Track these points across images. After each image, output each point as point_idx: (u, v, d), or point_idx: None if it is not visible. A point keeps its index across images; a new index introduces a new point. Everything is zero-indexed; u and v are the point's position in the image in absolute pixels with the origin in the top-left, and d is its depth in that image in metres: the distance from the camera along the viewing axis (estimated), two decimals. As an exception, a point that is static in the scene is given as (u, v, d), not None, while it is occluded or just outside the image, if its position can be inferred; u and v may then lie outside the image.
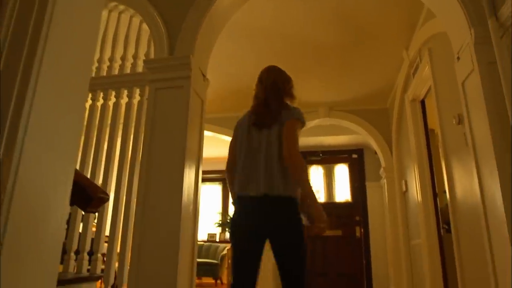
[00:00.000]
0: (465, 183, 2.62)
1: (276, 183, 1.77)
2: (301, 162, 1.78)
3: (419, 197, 3.97)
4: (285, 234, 1.74)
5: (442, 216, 3.87)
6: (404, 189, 4.72)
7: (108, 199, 1.50)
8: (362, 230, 6.30)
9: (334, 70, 4.51)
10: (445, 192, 3.19)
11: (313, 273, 6.14)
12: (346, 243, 6.31)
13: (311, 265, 6.04)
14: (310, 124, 5.64)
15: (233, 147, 2.02)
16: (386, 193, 5.20)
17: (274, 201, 1.77)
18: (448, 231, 3.69)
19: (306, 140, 6.34)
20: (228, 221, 5.87)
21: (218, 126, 5.81)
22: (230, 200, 2.77)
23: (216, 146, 7.45)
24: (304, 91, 5.10)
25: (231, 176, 1.98)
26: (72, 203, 1.48)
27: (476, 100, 2.06)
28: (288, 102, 2.01)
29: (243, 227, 1.82)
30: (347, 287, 6.11)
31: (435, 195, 3.92)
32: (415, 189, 4.13)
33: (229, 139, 5.81)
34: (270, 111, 1.94)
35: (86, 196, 1.23)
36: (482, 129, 2.01)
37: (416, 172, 4.05)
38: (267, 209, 1.77)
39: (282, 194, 1.76)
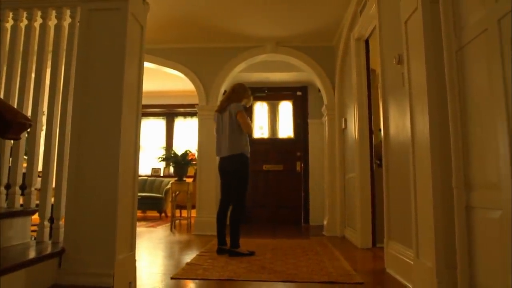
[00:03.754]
0: (398, 121, 2.79)
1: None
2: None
3: (356, 135, 4.19)
4: (234, 171, 3.60)
5: (376, 153, 4.15)
6: (343, 126, 4.94)
7: (30, 125, 1.37)
8: (302, 165, 6.61)
9: (282, 3, 4.36)
10: (380, 130, 3.38)
11: (254, 204, 6.45)
12: (286, 177, 6.62)
13: (252, 197, 6.31)
14: (256, 59, 5.55)
15: None
16: (327, 130, 5.41)
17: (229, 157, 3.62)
18: (380, 166, 3.99)
19: (252, 75, 6.27)
20: (172, 155, 5.84)
21: (162, 58, 5.53)
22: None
23: (160, 79, 7.14)
24: (252, 25, 4.93)
25: None
26: (-12, 129, 1.34)
27: (416, 39, 2.11)
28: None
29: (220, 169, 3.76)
30: (286, 217, 6.54)
31: (371, 133, 4.16)
32: (353, 126, 4.33)
33: (174, 72, 5.68)
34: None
35: (4, 121, 1.10)
36: (418, 69, 2.09)
37: (355, 111, 4.22)
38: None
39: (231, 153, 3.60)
